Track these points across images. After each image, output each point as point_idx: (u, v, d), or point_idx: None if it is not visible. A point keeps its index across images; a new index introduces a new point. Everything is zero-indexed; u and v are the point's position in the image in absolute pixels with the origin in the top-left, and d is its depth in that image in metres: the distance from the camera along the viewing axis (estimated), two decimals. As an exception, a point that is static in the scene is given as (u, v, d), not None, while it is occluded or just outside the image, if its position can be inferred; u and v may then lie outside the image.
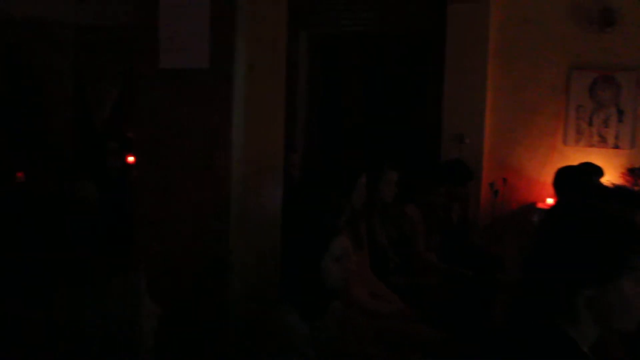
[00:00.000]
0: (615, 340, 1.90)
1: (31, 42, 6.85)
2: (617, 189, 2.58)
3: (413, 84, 5.94)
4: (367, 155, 5.55)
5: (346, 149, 6.07)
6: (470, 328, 3.15)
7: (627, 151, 5.03)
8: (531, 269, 1.51)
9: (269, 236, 2.22)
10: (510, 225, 5.21)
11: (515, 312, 1.56)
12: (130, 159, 5.57)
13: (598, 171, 4.07)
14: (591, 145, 5.13)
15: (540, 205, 5.07)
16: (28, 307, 2.10)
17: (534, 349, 1.41)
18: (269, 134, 2.22)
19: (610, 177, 4.60)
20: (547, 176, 4.78)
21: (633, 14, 4.96)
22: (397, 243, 3.86)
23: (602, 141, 5.11)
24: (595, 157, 4.84)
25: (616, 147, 5.06)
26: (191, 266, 2.06)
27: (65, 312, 1.53)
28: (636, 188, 4.73)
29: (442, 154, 5.41)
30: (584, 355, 1.39)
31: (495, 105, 5.42)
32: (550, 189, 4.31)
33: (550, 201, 4.99)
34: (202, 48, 2.08)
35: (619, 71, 5.01)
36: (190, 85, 2.09)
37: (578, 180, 3.81)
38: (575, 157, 4.90)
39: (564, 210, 1.62)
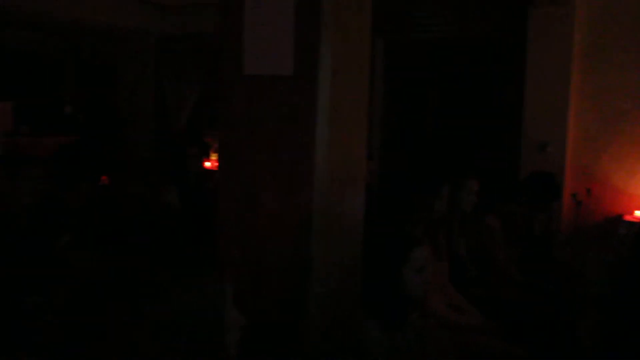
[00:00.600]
0: None
1: (114, 51, 7.14)
2: None
3: (492, 90, 5.79)
4: (446, 163, 5.44)
5: (424, 157, 5.98)
6: (551, 344, 3.04)
7: None
8: (625, 286, 1.42)
9: (350, 245, 2.19)
10: (594, 238, 4.98)
11: (608, 331, 1.47)
12: (207, 164, 5.68)
13: (694, 183, 3.85)
14: (684, 155, 4.86)
15: (627, 217, 4.84)
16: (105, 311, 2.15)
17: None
18: (352, 142, 2.19)
19: None
20: (636, 187, 4.57)
21: None
22: (476, 254, 3.75)
23: (697, 151, 4.84)
24: (689, 167, 4.59)
25: None
26: (272, 275, 2.05)
27: (148, 317, 1.53)
28: None
29: (523, 162, 5.25)
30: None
31: (579, 112, 5.21)
32: (639, 200, 4.10)
33: (638, 214, 4.75)
34: (286, 54, 2.08)
35: None
36: (274, 91, 2.09)
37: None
38: (668, 167, 4.66)
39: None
